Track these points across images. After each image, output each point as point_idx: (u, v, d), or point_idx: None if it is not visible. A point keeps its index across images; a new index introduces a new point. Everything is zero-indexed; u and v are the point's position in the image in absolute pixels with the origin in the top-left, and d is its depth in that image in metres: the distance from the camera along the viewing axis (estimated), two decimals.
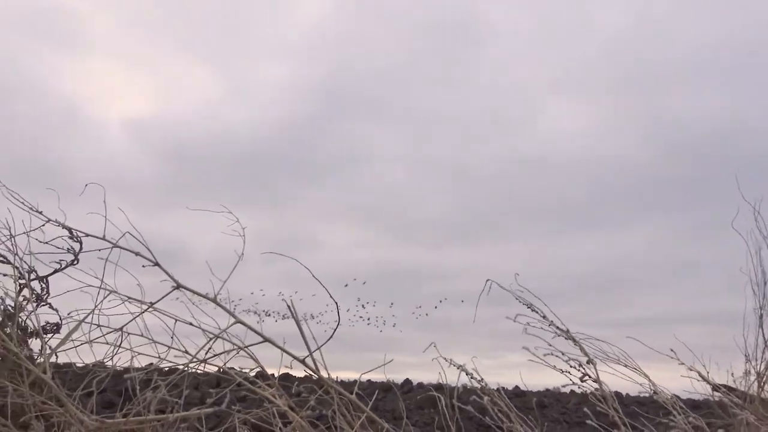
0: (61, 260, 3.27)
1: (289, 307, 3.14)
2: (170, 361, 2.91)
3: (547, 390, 10.64)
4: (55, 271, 3.29)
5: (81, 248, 3.28)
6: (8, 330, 2.90)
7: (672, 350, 3.11)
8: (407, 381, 8.36)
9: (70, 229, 3.24)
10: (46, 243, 3.22)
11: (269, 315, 3.37)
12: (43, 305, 3.26)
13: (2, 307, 3.01)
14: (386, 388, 6.85)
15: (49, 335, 3.09)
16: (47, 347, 3.02)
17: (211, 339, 2.88)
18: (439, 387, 3.01)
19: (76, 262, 3.29)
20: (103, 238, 3.07)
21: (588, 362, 2.74)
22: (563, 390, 3.06)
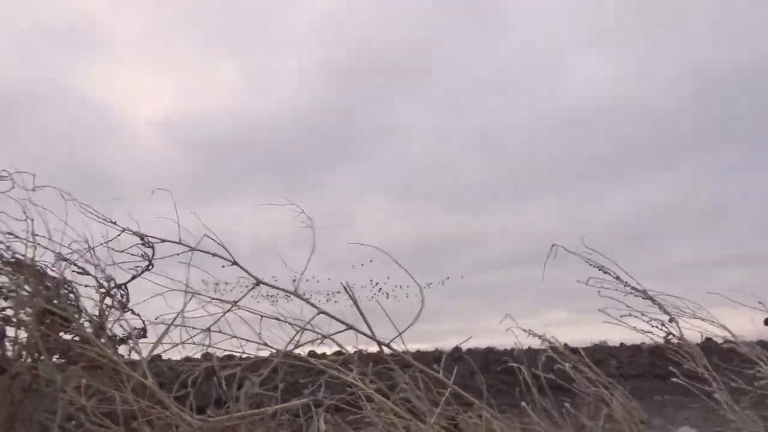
0: (137, 266, 3.35)
1: (347, 290, 3.22)
2: (259, 356, 3.01)
3: (596, 345, 10.73)
4: (133, 278, 3.37)
5: (153, 253, 3.35)
6: (102, 339, 3.00)
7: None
8: (457, 348, 8.40)
9: (142, 237, 3.31)
10: (122, 252, 3.28)
11: (330, 300, 3.44)
12: (127, 311, 3.35)
13: (91, 317, 3.10)
14: (436, 356, 6.96)
15: (138, 340, 3.18)
16: (138, 352, 3.12)
17: (297, 331, 2.97)
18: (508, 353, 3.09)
19: (150, 267, 3.36)
20: (179, 242, 3.14)
21: (670, 320, 2.79)
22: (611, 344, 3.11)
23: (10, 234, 3.11)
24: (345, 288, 3.25)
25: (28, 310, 2.88)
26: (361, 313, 3.10)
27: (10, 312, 2.94)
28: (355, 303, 3.15)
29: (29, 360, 2.73)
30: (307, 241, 3.20)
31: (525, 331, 3.06)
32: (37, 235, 3.12)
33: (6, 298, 3.00)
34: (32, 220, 3.12)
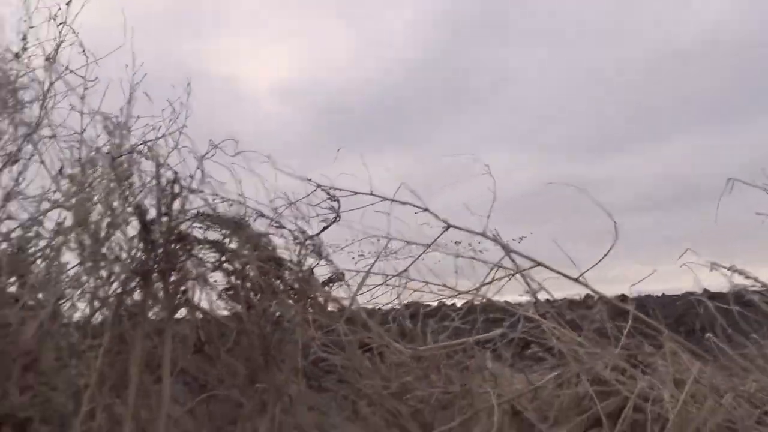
0: (326, 218, 3.62)
1: (496, 238, 3.42)
2: (455, 295, 3.27)
3: None
4: (324, 229, 3.65)
5: (339, 206, 3.61)
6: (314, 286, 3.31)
7: None
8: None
9: (328, 191, 3.57)
10: (314, 206, 3.56)
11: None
12: (323, 259, 3.65)
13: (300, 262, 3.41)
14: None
15: (339, 283, 3.49)
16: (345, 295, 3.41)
17: (491, 268, 3.22)
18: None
19: (338, 219, 3.63)
20: (371, 194, 3.41)
21: None
22: None
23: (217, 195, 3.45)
24: (494, 236, 3.47)
25: (251, 259, 3.21)
26: (507, 252, 3.31)
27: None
28: (506, 249, 3.36)
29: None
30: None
31: (708, 265, 3.17)
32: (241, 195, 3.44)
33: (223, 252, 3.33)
34: (240, 181, 3.43)
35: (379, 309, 3.49)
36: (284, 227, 3.60)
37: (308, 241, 3.68)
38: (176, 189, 2.64)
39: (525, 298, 3.31)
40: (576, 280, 3.18)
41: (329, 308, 3.29)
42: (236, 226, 3.17)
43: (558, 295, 3.46)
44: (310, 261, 3.60)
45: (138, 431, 2.40)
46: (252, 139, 3.15)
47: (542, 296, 3.38)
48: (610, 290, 3.42)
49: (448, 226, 3.33)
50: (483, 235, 3.29)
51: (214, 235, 2.95)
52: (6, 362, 2.10)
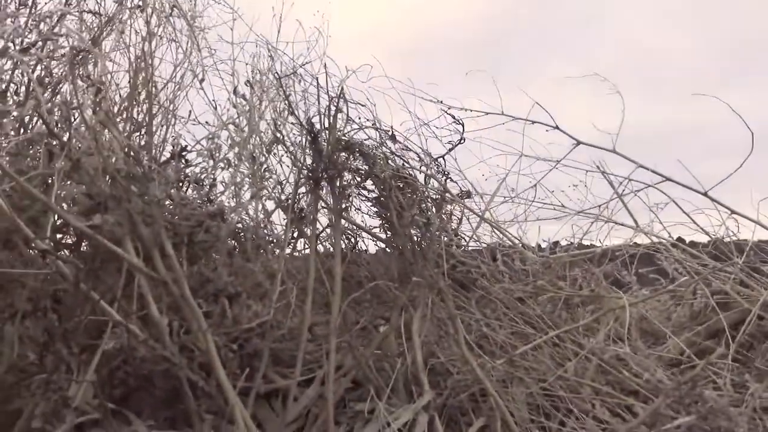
0: (450, 141, 3.84)
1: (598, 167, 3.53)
2: (585, 215, 3.47)
3: None
4: (448, 151, 3.88)
5: (464, 129, 3.81)
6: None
7: None
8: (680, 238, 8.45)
9: (453, 116, 3.77)
10: (440, 128, 3.77)
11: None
12: (448, 179, 3.90)
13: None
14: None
15: (466, 199, 3.74)
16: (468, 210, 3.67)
17: (621, 182, 3.39)
18: None
19: (463, 140, 3.84)
20: (502, 113, 3.60)
21: None
22: None
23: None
24: (598, 166, 3.61)
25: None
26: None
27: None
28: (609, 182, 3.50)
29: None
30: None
31: None
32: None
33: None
34: (375, 105, 3.68)
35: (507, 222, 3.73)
36: (410, 149, 3.87)
37: (434, 162, 3.95)
38: (339, 105, 2.92)
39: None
40: (704, 194, 3.31)
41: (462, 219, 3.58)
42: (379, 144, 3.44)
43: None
44: (441, 179, 3.87)
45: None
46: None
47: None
48: None
49: (578, 143, 3.50)
50: (613, 151, 3.44)
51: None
52: (214, 250, 2.48)
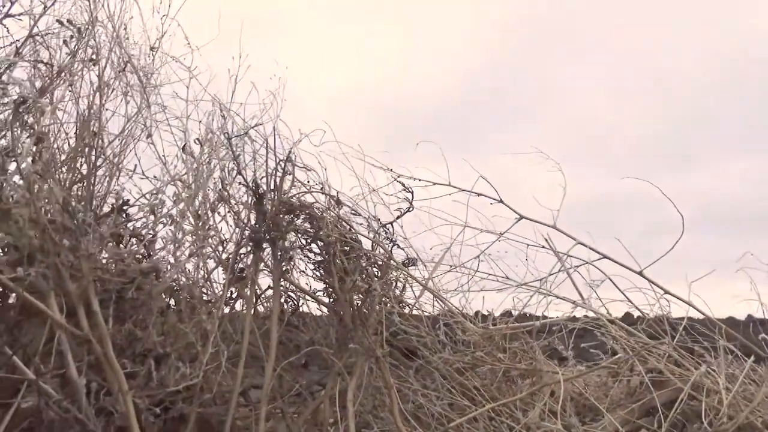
0: (399, 209, 3.90)
1: (547, 240, 3.66)
2: (527, 287, 3.53)
3: None
4: (397, 218, 3.93)
5: (413, 197, 3.89)
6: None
7: None
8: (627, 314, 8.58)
9: (403, 183, 3.85)
10: (389, 195, 3.83)
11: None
12: (395, 246, 3.94)
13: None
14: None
15: (413, 267, 3.77)
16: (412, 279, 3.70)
17: (560, 258, 3.47)
18: None
19: (411, 209, 3.91)
20: (449, 185, 3.69)
21: None
22: None
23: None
24: (546, 240, 3.73)
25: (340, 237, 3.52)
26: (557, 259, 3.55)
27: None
28: (556, 254, 3.62)
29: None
30: None
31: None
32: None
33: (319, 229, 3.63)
34: (325, 169, 3.73)
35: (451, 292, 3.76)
36: (359, 214, 3.91)
37: (382, 228, 3.99)
38: (287, 167, 2.95)
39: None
40: (639, 273, 3.42)
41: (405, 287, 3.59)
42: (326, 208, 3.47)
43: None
44: (387, 245, 3.89)
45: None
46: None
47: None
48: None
49: (521, 217, 3.60)
50: (554, 227, 3.55)
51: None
52: (146, 308, 2.43)
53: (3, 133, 2.69)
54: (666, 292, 3.48)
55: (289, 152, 2.90)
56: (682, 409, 3.28)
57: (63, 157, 2.88)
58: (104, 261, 2.36)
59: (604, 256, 3.48)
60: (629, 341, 3.60)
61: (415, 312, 3.53)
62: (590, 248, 3.49)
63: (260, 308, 3.16)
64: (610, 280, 3.45)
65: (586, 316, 3.68)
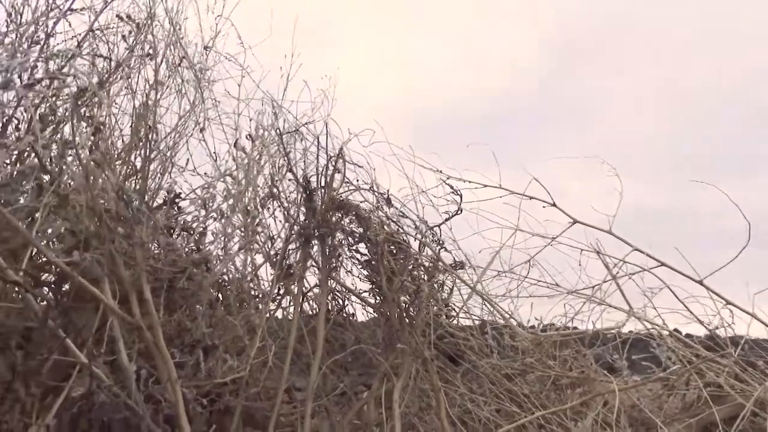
0: (447, 211, 3.83)
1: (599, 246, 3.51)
2: (578, 294, 3.42)
3: None
4: (445, 221, 3.86)
5: (462, 200, 3.80)
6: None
7: None
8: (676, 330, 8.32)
9: (451, 186, 3.77)
10: (438, 197, 3.76)
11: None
12: (442, 248, 3.87)
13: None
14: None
15: (461, 270, 3.70)
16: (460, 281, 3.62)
17: (616, 264, 3.35)
18: None
19: (459, 212, 3.83)
20: (500, 187, 3.61)
21: None
22: None
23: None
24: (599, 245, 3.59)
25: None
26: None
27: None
28: (607, 262, 3.48)
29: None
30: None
31: None
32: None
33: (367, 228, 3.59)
34: (374, 169, 3.69)
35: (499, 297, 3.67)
36: (406, 216, 3.85)
37: (430, 230, 3.93)
38: (338, 165, 2.93)
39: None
40: (700, 282, 3.26)
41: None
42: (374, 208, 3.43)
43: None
44: (435, 247, 3.83)
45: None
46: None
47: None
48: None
49: (574, 222, 3.49)
50: (609, 232, 3.43)
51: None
52: (195, 299, 2.42)
53: (63, 124, 2.75)
54: (728, 302, 3.31)
55: (341, 149, 2.87)
56: (743, 425, 3.12)
57: (118, 150, 2.93)
58: (156, 251, 2.38)
59: (662, 264, 3.34)
60: (686, 353, 3.45)
61: (462, 316, 3.46)
62: (647, 254, 3.36)
63: (306, 306, 3.15)
64: (669, 288, 3.30)
65: (639, 328, 3.54)
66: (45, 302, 1.97)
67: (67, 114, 2.71)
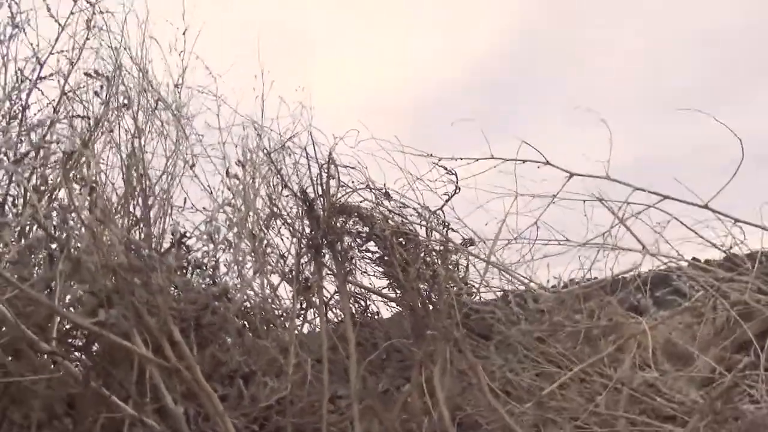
0: (446, 192, 3.84)
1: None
2: (590, 245, 3.44)
3: None
4: (445, 203, 3.88)
5: (457, 179, 3.82)
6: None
7: None
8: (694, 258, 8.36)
9: (444, 167, 3.79)
10: (434, 181, 3.78)
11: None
12: (449, 229, 3.90)
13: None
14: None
15: (471, 247, 3.73)
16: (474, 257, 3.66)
17: (620, 206, 3.38)
18: None
19: (458, 190, 3.85)
20: (492, 157, 3.64)
21: None
22: None
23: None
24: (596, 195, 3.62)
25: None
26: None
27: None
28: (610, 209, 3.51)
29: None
30: None
31: None
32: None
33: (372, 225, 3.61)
34: (366, 168, 3.70)
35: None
36: (407, 206, 3.88)
37: (433, 215, 3.96)
38: (330, 169, 2.96)
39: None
40: (705, 206, 3.29)
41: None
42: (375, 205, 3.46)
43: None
44: (441, 230, 3.85)
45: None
46: None
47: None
48: None
49: (571, 175, 3.51)
50: (607, 178, 3.45)
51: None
52: (224, 331, 2.46)
53: (57, 190, 2.79)
54: (736, 220, 3.35)
55: (330, 155, 2.91)
56: None
57: (115, 204, 2.96)
58: (175, 293, 2.41)
59: (665, 197, 3.36)
60: (707, 279, 3.48)
61: (483, 291, 3.49)
62: (649, 191, 3.38)
63: (330, 314, 3.18)
64: (676, 219, 3.33)
65: (657, 265, 3.58)
66: (82, 365, 2.00)
67: (59, 180, 2.74)
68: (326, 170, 2.99)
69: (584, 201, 3.48)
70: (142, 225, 2.99)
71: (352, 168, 3.27)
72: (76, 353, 2.43)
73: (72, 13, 2.83)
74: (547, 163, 3.56)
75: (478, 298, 3.50)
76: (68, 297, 2.24)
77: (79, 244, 2.18)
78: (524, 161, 3.60)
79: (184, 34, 3.63)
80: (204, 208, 3.25)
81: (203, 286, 2.57)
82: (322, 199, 3.02)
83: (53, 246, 2.26)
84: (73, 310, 2.35)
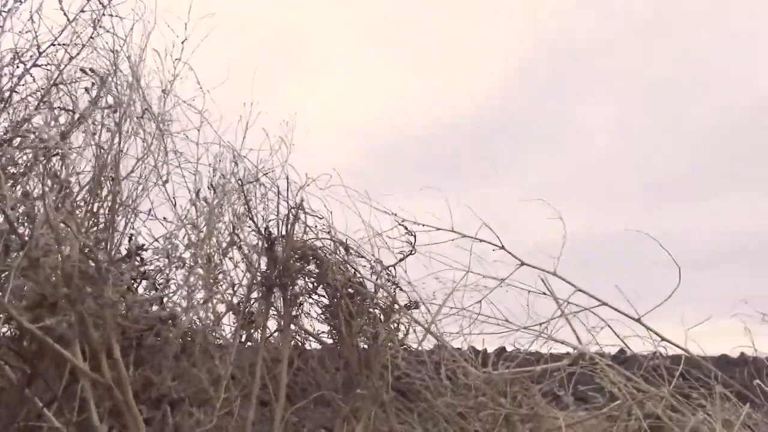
0: (402, 251, 3.98)
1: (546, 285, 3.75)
2: (527, 331, 3.60)
3: None
4: (399, 261, 4.00)
5: (415, 240, 3.96)
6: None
7: None
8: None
9: (406, 227, 3.92)
10: (393, 239, 3.91)
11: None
12: (397, 288, 4.00)
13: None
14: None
15: (416, 310, 3.84)
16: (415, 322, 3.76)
17: (560, 304, 3.56)
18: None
19: (413, 252, 3.98)
20: (452, 230, 3.79)
21: None
22: None
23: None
24: (546, 286, 3.81)
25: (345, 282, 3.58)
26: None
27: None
28: (556, 301, 3.71)
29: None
30: None
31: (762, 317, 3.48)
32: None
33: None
34: (331, 212, 3.79)
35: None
36: (363, 257, 3.96)
37: (386, 271, 4.06)
38: (298, 214, 3.04)
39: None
40: (637, 320, 3.50)
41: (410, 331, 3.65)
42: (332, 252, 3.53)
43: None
44: (390, 289, 3.95)
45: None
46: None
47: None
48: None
49: (522, 264, 3.69)
50: (554, 274, 3.64)
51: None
52: (162, 354, 2.48)
53: (26, 178, 2.77)
54: (663, 339, 3.56)
55: (301, 201, 2.99)
56: None
57: (81, 203, 2.95)
58: (123, 308, 2.42)
59: (603, 303, 3.56)
60: (627, 386, 3.67)
61: (418, 357, 3.58)
62: (589, 295, 3.58)
63: (267, 353, 3.22)
64: (609, 327, 3.52)
65: (584, 361, 3.75)
66: (19, 369, 2.00)
67: (29, 168, 2.73)
68: (294, 213, 3.06)
69: (529, 292, 3.66)
70: (101, 227, 2.98)
71: (321, 218, 3.35)
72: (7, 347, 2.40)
73: (83, 10, 2.86)
74: (502, 247, 3.73)
75: (411, 362, 3.59)
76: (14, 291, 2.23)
77: (38, 242, 2.18)
78: (481, 241, 3.77)
79: (183, 43, 3.70)
80: (165, 218, 3.25)
81: (154, 307, 2.58)
82: (283, 240, 3.09)
83: (12, 237, 2.26)
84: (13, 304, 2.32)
